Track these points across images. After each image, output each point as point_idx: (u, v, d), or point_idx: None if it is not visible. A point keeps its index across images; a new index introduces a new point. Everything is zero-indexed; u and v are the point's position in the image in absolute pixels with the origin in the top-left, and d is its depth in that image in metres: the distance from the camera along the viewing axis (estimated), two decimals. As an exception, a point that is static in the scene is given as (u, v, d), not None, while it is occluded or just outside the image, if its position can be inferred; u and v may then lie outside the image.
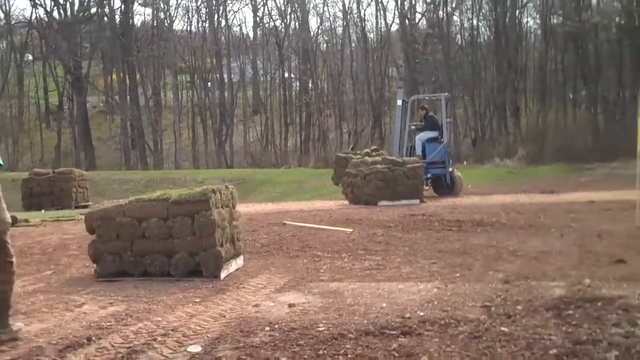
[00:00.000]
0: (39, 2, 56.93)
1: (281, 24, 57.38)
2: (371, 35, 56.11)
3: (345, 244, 11.57)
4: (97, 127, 59.05)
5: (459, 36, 52.74)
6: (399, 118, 22.75)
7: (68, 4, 56.27)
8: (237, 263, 9.66)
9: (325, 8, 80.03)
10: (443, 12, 50.04)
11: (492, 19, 48.63)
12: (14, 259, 6.34)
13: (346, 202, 20.14)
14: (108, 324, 6.62)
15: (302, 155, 50.75)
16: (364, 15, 60.67)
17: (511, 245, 10.79)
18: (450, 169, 22.10)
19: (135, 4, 58.91)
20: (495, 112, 47.15)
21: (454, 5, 50.77)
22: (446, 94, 26.83)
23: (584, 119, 44.70)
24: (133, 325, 6.55)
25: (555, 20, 47.74)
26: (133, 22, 59.25)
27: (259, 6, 58.41)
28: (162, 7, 58.32)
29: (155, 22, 59.08)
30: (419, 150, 21.91)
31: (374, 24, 65.01)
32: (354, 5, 56.93)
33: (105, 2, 57.05)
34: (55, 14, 56.92)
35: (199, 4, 57.95)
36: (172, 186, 29.83)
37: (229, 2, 58.19)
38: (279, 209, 18.93)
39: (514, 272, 8.62)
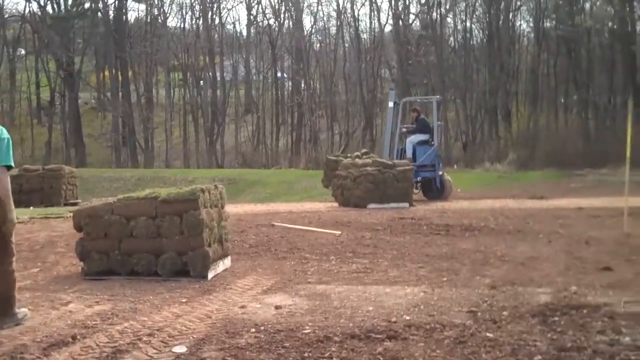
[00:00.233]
0: (32, -3, 56.81)
1: (275, 22, 57.36)
2: (364, 36, 56.17)
3: (334, 246, 11.58)
4: (89, 124, 58.84)
5: (452, 38, 52.84)
6: (390, 120, 22.70)
7: (62, -1, 56.15)
8: (225, 264, 9.66)
9: (319, 7, 79.98)
10: (437, 14, 50.12)
11: (486, 22, 48.68)
12: (14, 257, 6.69)
13: (336, 204, 20.13)
14: (94, 322, 6.62)
15: (293, 156, 50.66)
16: (358, 15, 60.50)
17: (499, 251, 10.82)
18: (440, 173, 22.07)
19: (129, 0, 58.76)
20: (486, 115, 47.20)
21: (447, 7, 50.85)
22: (438, 97, 26.81)
23: (575, 124, 44.78)
24: (119, 324, 6.55)
25: (548, 24, 47.84)
26: (127, 18, 59.09)
27: (253, 4, 58.42)
28: (156, 3, 58.25)
29: (148, 18, 59.01)
30: (409, 153, 21.86)
31: (368, 25, 65.22)
32: (348, 5, 56.91)
33: (99, -3, 56.94)
34: (49, 8, 56.77)
35: (193, 1, 57.92)
36: (162, 185, 29.76)
37: (222, -1, 58.09)
38: (268, 209, 18.93)
39: (500, 277, 8.64)
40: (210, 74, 55.83)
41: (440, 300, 7.27)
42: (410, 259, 10.29)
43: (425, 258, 10.31)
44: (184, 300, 7.61)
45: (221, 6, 58.53)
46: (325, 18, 67.10)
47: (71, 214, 10.29)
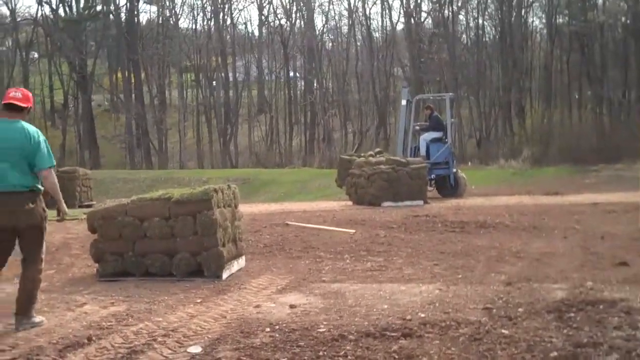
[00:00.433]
0: (44, 0, 56.90)
1: (286, 22, 57.32)
2: (376, 34, 56.07)
3: (348, 244, 11.56)
4: (102, 126, 58.99)
5: (464, 35, 52.64)
6: (403, 118, 22.65)
7: (74, 2, 56.20)
8: (239, 263, 9.66)
9: (331, 6, 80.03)
10: (449, 11, 49.90)
11: (498, 19, 48.45)
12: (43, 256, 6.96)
13: (350, 202, 20.08)
14: (109, 324, 6.63)
15: (307, 155, 50.62)
16: (370, 14, 60.34)
17: (514, 247, 10.78)
18: (455, 170, 22.00)
19: (141, 1, 58.99)
20: (500, 112, 47.01)
21: (459, 4, 50.67)
22: (451, 94, 26.73)
23: (589, 120, 44.54)
24: (134, 325, 6.56)
25: (560, 20, 47.59)
26: (138, 20, 59.20)
27: (264, 4, 58.43)
28: (168, 4, 58.38)
29: (160, 20, 59.08)
30: (423, 151, 21.80)
31: (380, 23, 65.15)
32: (360, 4, 56.61)
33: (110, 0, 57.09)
34: (61, 11, 56.94)
35: (204, 2, 58.00)
36: (176, 186, 29.81)
37: (234, 0, 58.11)
38: (282, 209, 18.91)
39: (516, 274, 8.61)
40: (223, 74, 55.84)
41: (455, 298, 7.25)
42: (425, 256, 10.27)
43: (440, 255, 10.29)
44: (198, 301, 7.61)
45: (232, 7, 58.63)
46: (336, 17, 67.26)
47: (86, 216, 10.33)
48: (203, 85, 56.01)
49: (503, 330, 5.82)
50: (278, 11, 58.82)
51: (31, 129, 6.80)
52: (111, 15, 57.79)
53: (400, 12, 58.64)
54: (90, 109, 55.81)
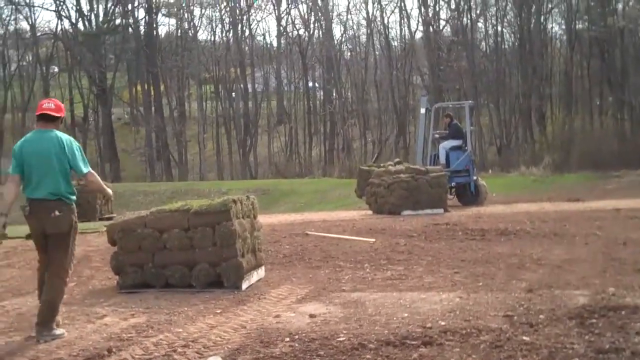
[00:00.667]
0: (64, 14, 57.14)
1: (305, 32, 57.35)
2: (395, 43, 55.99)
3: (368, 253, 11.54)
4: (122, 139, 59.27)
5: (483, 43, 52.47)
6: (422, 126, 22.61)
7: (93, 16, 56.49)
8: (259, 274, 9.66)
9: (349, 16, 79.74)
10: (467, 19, 49.80)
11: (517, 25, 48.29)
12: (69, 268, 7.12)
13: (369, 212, 20.05)
14: (129, 335, 6.64)
15: (327, 165, 50.59)
16: (388, 23, 60.03)
17: (535, 254, 10.72)
18: (475, 178, 21.92)
19: (160, 14, 59.23)
20: (520, 119, 46.83)
21: (478, 12, 50.58)
22: (470, 101, 26.68)
23: (610, 126, 44.27)
24: (154, 336, 6.57)
25: (580, 26, 47.39)
26: (157, 32, 59.45)
27: (282, 15, 58.52)
28: (186, 17, 58.64)
29: (179, 32, 59.38)
30: (442, 159, 21.76)
31: (398, 32, 64.91)
32: (378, 13, 56.52)
33: (129, 13, 57.32)
34: (81, 25, 57.22)
35: (222, 14, 58.15)
36: (196, 197, 29.79)
37: (252, 11, 58.26)
38: (302, 219, 18.92)
39: (537, 281, 8.55)
40: (242, 85, 55.95)
41: (475, 305, 7.21)
42: (446, 264, 10.23)
43: (460, 263, 10.24)
44: (218, 311, 7.62)
45: (251, 18, 58.68)
46: (355, 27, 67.10)
47: (106, 229, 10.37)
48: (222, 96, 56.17)
49: (524, 337, 5.79)
50: (296, 22, 58.82)
51: (64, 137, 7.07)
52: (130, 29, 58.08)
53: (418, 21, 58.48)
54: (110, 122, 56.06)
